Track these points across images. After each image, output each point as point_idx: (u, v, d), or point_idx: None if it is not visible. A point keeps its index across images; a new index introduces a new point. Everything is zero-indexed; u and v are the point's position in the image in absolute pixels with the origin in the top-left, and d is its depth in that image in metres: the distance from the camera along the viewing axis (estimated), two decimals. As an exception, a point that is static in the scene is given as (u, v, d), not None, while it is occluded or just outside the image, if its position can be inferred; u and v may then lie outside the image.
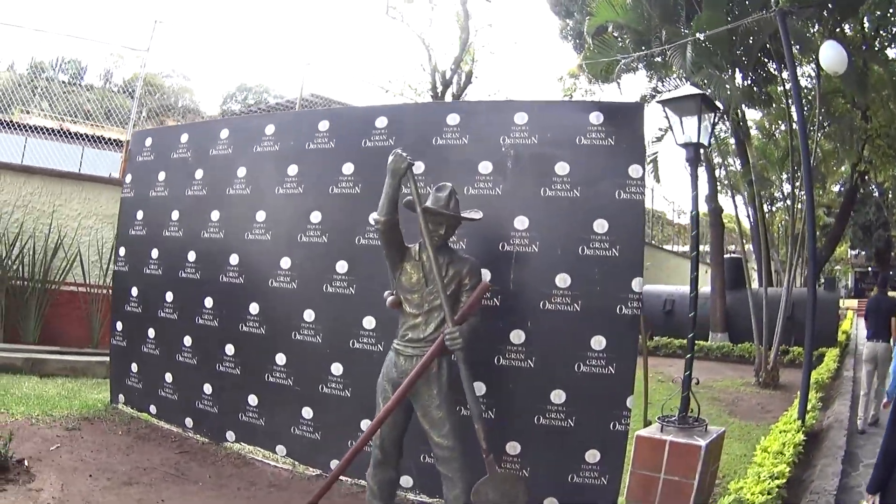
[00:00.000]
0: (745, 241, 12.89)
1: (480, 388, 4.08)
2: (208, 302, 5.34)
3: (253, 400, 5.02)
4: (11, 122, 11.33)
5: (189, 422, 5.44)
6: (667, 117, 4.30)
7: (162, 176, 5.85)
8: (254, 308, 5.05)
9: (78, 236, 8.33)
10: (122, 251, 6.13)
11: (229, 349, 5.17)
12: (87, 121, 12.21)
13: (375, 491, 3.61)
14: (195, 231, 5.49)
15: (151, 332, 5.76)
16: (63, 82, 13.68)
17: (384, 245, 3.55)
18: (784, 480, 3.93)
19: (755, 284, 12.62)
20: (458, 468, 3.41)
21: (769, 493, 3.54)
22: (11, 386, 6.26)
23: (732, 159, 13.27)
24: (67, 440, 4.90)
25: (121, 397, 6.01)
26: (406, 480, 4.27)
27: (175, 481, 4.42)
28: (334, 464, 4.50)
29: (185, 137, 5.80)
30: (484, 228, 4.17)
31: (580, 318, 3.95)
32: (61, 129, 11.72)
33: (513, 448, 4.05)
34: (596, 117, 4.08)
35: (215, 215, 5.37)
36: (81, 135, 11.90)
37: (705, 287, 13.92)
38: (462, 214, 3.62)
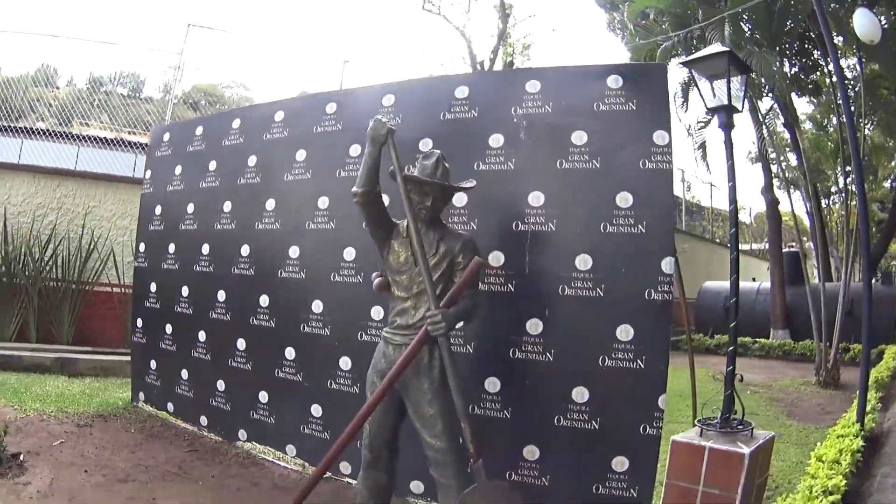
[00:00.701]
0: (804, 238, 12.08)
1: (494, 384, 3.63)
2: (221, 295, 5.04)
3: (263, 397, 4.69)
4: (69, 133, 11.46)
5: (204, 420, 5.14)
6: (694, 81, 3.76)
7: (178, 170, 5.62)
8: (264, 300, 4.71)
9: (112, 237, 8.22)
10: (142, 247, 5.91)
11: (241, 344, 4.85)
12: (145, 131, 12.29)
13: (366, 496, 3.17)
14: (209, 223, 5.21)
15: (169, 328, 5.51)
16: (122, 95, 13.85)
17: (366, 221, 3.12)
18: (839, 496, 3.21)
19: (815, 281, 11.82)
20: (452, 474, 2.93)
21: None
22: (34, 384, 6.08)
23: (788, 154, 12.56)
24: (74, 436, 4.65)
25: (141, 395, 5.78)
26: (417, 486, 3.84)
27: (174, 480, 4.10)
28: (344, 466, 4.14)
29: (199, 130, 5.56)
30: (495, 206, 3.73)
31: (604, 305, 3.42)
32: (118, 139, 11.83)
33: (531, 453, 3.54)
34: (615, 81, 3.57)
35: (227, 206, 5.08)
36: (137, 143, 11.99)
37: (766, 282, 13.15)
38: (452, 184, 3.14)
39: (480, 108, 3.93)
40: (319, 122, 4.57)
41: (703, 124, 10.02)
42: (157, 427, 5.24)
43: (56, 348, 7.43)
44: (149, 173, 5.97)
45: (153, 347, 5.66)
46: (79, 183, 8.41)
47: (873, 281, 14.65)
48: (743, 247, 26.14)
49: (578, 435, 3.43)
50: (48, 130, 11.02)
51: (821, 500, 2.81)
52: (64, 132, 11.34)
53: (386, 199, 3.30)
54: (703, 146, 10.33)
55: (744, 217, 28.42)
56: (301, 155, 4.61)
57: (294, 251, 4.56)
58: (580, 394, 3.44)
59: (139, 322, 5.85)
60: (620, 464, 3.34)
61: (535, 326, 3.55)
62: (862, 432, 4.61)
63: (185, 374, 5.33)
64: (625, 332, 3.37)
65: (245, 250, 4.89)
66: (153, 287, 5.72)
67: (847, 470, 3.67)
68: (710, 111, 3.83)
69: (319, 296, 4.38)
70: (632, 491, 3.33)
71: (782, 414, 6.70)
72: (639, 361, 3.35)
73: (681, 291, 4.41)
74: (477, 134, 3.87)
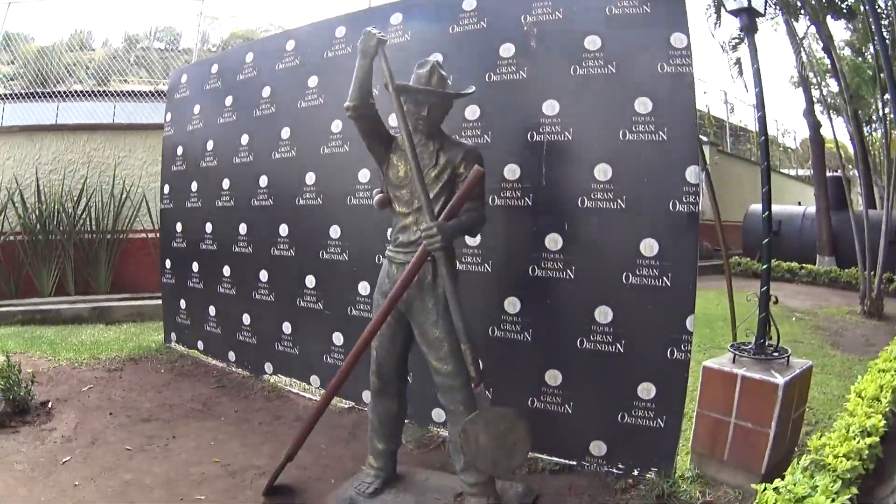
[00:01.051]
0: (848, 166, 11.45)
1: (514, 304, 3.45)
2: (242, 228, 4.97)
3: (287, 328, 4.63)
4: (106, 91, 11.45)
5: (232, 355, 5.13)
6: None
7: (197, 109, 5.49)
8: (283, 230, 4.62)
9: (144, 184, 8.20)
10: (166, 189, 5.85)
11: (263, 275, 4.79)
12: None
13: (376, 425, 3.04)
14: (228, 158, 5.10)
15: (195, 266, 5.49)
16: (159, 49, 13.77)
17: (362, 136, 2.89)
18: (878, 438, 2.82)
19: (859, 208, 11.26)
20: (461, 399, 2.74)
21: (859, 457, 2.39)
22: (71, 335, 6.16)
23: (829, 80, 11.81)
24: (104, 381, 4.68)
25: (173, 335, 5.81)
26: (438, 414, 3.72)
27: (196, 417, 4.08)
28: (366, 395, 4.07)
29: (215, 68, 5.39)
30: (509, 118, 3.49)
31: (626, 218, 3.17)
32: (155, 91, 11.78)
33: (553, 377, 3.37)
34: (627, -18, 3.25)
35: (244, 139, 4.95)
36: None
37: (811, 207, 12.59)
38: (448, 91, 2.87)
39: (489, 18, 3.65)
40: (330, 47, 4.36)
41: (737, 40, 9.45)
42: (187, 366, 5.25)
43: (93, 298, 7.51)
44: (169, 116, 5.87)
45: (182, 287, 5.66)
46: (107, 135, 8.38)
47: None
48: (789, 172, 25.12)
49: (602, 358, 3.24)
50: (82, 91, 11.04)
51: (858, 441, 2.50)
52: (100, 91, 11.33)
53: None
54: (738, 62, 9.77)
55: (789, 142, 27.37)
56: (313, 81, 4.43)
57: (310, 177, 4.42)
58: (603, 314, 3.23)
59: (167, 263, 5.85)
60: (647, 391, 3.14)
61: (554, 242, 3.33)
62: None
63: (212, 310, 5.32)
64: (649, 247, 3.12)
65: (263, 181, 4.78)
66: (178, 227, 5.69)
67: (888, 409, 3.36)
68: (732, 13, 3.51)
69: (337, 221, 4.26)
70: (658, 421, 3.13)
71: (826, 343, 6.36)
72: (664, 278, 3.10)
73: (715, 210, 4.13)
74: (487, 45, 3.61)
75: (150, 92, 11.42)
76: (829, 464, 2.10)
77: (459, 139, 2.98)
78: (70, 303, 7.17)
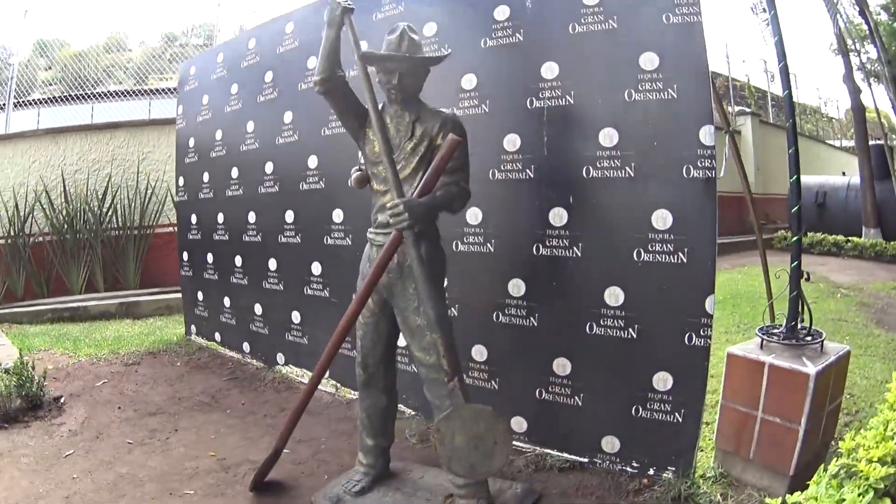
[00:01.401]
0: (891, 134, 10.71)
1: (518, 286, 3.16)
2: (251, 217, 4.82)
3: (296, 317, 4.45)
4: (142, 90, 11.51)
5: (246, 346, 4.99)
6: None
7: (205, 99, 5.34)
8: (289, 216, 4.43)
9: (169, 178, 8.11)
10: (181, 181, 5.74)
11: (272, 264, 4.62)
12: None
13: (364, 420, 2.81)
14: (235, 146, 4.94)
15: (210, 258, 5.36)
16: (197, 46, 13.80)
17: (334, 110, 2.68)
18: None
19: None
20: (447, 393, 2.44)
21: (893, 462, 1.84)
22: (96, 331, 6.10)
23: (868, 46, 11.07)
24: (119, 375, 4.59)
25: (193, 328, 5.71)
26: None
27: (203, 409, 3.95)
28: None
29: (220, 57, 5.23)
30: (506, 84, 3.19)
31: (635, 186, 2.82)
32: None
33: (561, 367, 3.05)
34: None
35: (250, 126, 4.77)
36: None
37: (855, 178, 11.87)
38: (419, 56, 2.60)
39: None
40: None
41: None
42: (203, 358, 5.14)
43: (120, 294, 7.49)
44: (181, 108, 5.74)
45: (199, 278, 5.55)
46: (131, 132, 8.32)
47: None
48: (833, 143, 23.90)
49: (614, 345, 2.90)
50: (117, 91, 11.10)
51: (894, 445, 2.11)
52: (136, 90, 11.38)
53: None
54: (769, 22, 9.18)
55: (832, 111, 26.10)
56: (312, 62, 4.21)
57: (313, 161, 4.21)
58: (614, 296, 2.89)
59: (185, 255, 5.75)
60: (663, 381, 2.78)
61: (559, 217, 3.01)
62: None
63: (227, 301, 5.19)
64: (661, 220, 2.77)
65: (269, 167, 4.60)
66: (193, 219, 5.57)
67: None
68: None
69: (339, 204, 4.04)
70: (676, 415, 2.76)
71: (871, 321, 5.79)
72: (680, 254, 2.74)
73: (743, 180, 3.70)
74: (482, 9, 3.31)
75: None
76: (861, 471, 1.73)
77: (435, 108, 2.72)
78: (98, 299, 7.15)
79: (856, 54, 10.56)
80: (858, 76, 10.34)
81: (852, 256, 10.68)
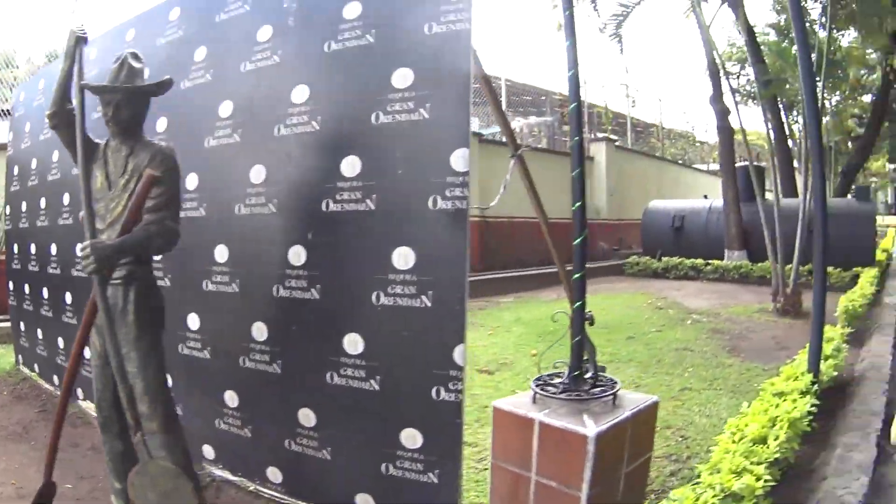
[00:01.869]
0: (768, 154, 10.71)
1: (262, 330, 2.73)
2: (53, 249, 4.30)
3: (87, 352, 3.95)
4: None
5: (56, 379, 4.45)
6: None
7: (27, 127, 4.82)
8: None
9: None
10: (7, 209, 5.19)
11: (68, 297, 4.11)
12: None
13: (109, 464, 2.57)
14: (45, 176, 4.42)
15: (26, 288, 4.83)
16: None
17: (66, 146, 2.44)
18: None
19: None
20: (160, 443, 2.22)
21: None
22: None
23: (749, 68, 11.06)
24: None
25: (20, 357, 5.15)
26: (208, 451, 3.03)
27: (14, 440, 3.75)
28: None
29: (41, 84, 4.76)
30: (257, 111, 2.83)
31: (375, 221, 2.42)
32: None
33: (306, 418, 2.62)
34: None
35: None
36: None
37: (718, 200, 11.67)
38: (135, 85, 2.33)
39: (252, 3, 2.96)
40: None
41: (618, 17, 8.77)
42: (25, 389, 4.72)
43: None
44: (11, 135, 5.18)
45: (20, 309, 5.00)
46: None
47: (848, 196, 13.11)
48: (700, 167, 24.29)
49: (356, 397, 2.46)
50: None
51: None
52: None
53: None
54: (619, 38, 9.06)
55: (703, 136, 26.65)
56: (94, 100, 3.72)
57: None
58: (353, 343, 2.47)
59: (10, 285, 5.19)
60: (411, 438, 2.34)
61: (297, 255, 2.59)
62: (816, 386, 3.35)
63: (39, 333, 4.65)
64: (403, 259, 2.34)
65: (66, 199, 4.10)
66: (15, 247, 5.03)
67: (776, 454, 2.48)
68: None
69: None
70: (430, 475, 2.32)
71: (723, 350, 5.42)
72: (423, 298, 2.30)
73: (537, 207, 3.14)
74: (247, 31, 2.91)
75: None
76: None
77: (152, 140, 2.35)
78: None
79: (734, 77, 10.50)
80: (731, 98, 10.23)
81: (713, 280, 10.56)
